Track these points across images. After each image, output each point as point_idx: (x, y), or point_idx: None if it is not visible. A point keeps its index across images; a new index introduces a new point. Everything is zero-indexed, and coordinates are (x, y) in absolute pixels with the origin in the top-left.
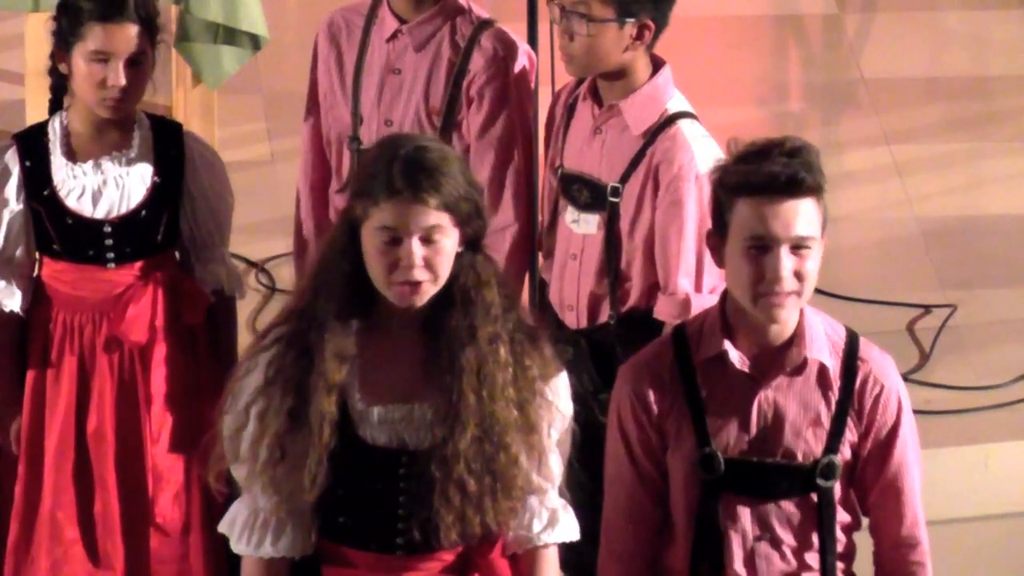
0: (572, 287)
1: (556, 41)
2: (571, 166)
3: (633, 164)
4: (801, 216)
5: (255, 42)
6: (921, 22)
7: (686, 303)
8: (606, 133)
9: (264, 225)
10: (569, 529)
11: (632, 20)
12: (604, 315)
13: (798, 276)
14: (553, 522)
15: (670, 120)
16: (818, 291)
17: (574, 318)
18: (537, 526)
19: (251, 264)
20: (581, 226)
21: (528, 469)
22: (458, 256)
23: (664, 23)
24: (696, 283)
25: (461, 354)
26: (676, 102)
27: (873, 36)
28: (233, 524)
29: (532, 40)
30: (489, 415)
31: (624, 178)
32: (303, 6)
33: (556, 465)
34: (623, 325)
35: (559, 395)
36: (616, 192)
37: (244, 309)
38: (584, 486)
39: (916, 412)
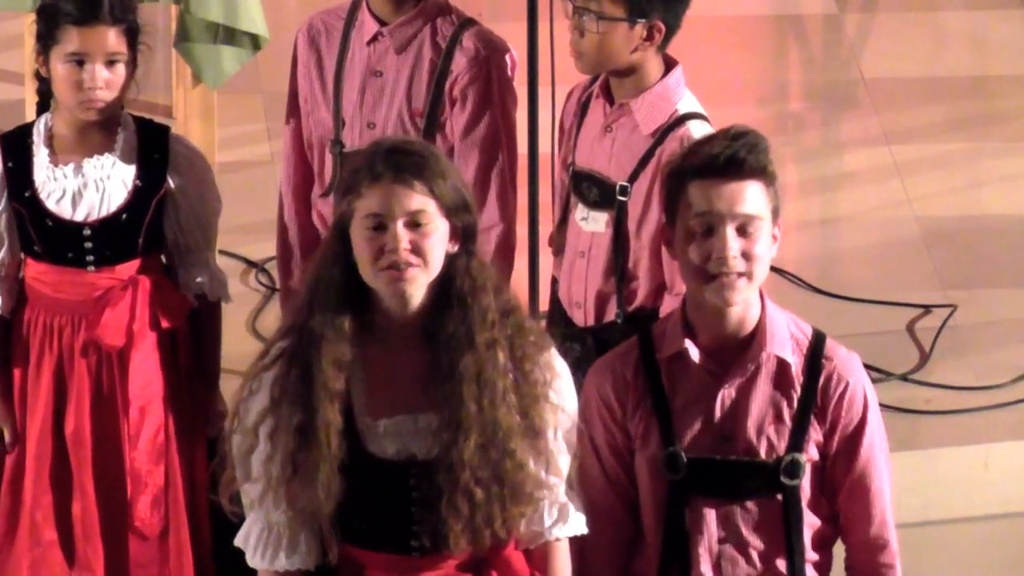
0: (580, 285)
1: (556, 41)
2: (582, 164)
3: (642, 163)
4: (746, 196)
5: (255, 42)
6: (921, 22)
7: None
8: (616, 132)
9: (264, 225)
10: (579, 523)
11: (643, 21)
12: (611, 313)
13: (746, 256)
14: (564, 517)
15: (680, 120)
16: (818, 291)
17: (582, 316)
18: (548, 521)
19: (251, 264)
20: (590, 224)
21: (536, 473)
22: (453, 259)
23: (676, 25)
24: None
25: (460, 361)
26: (687, 103)
27: (873, 36)
28: (247, 540)
29: (532, 40)
30: (491, 422)
31: (633, 177)
32: (303, 6)
33: (565, 462)
34: (630, 324)
35: (564, 397)
36: (624, 191)
37: (244, 309)
38: None
39: (916, 412)
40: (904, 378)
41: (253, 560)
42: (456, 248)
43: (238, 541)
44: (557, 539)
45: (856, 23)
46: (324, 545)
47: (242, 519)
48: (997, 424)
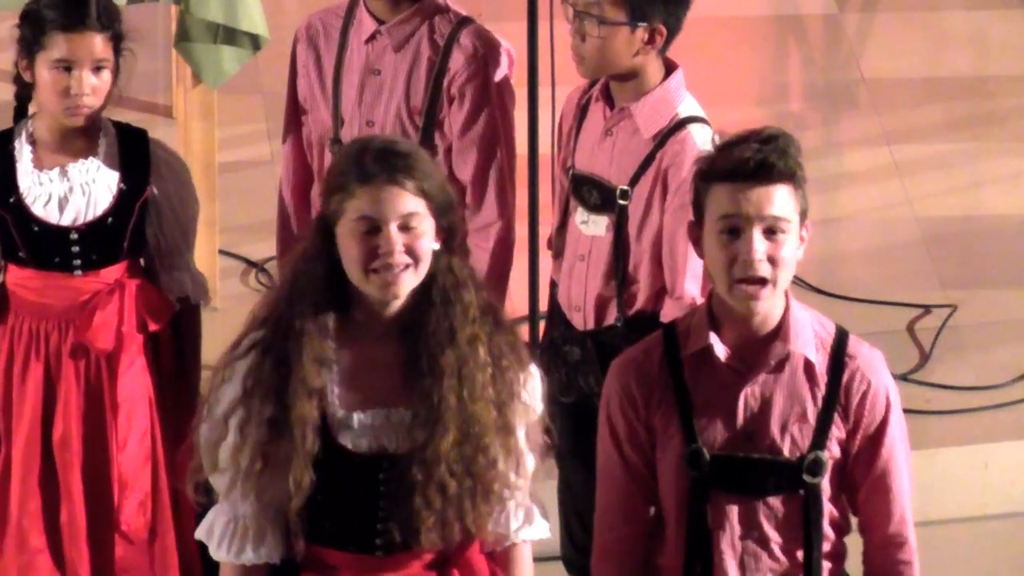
0: (580, 288)
1: (557, 41)
2: (582, 167)
3: (643, 167)
4: (774, 200)
5: (255, 42)
6: (921, 22)
7: (693, 307)
8: (617, 135)
9: (264, 225)
10: (542, 528)
11: (644, 24)
12: (611, 317)
13: (772, 261)
14: (529, 520)
15: (680, 124)
16: (818, 291)
17: (581, 319)
18: (514, 524)
19: (251, 264)
20: (590, 227)
21: (506, 472)
22: (435, 256)
23: (677, 28)
24: (703, 288)
25: (441, 356)
26: (687, 106)
27: (873, 36)
28: (211, 532)
29: (532, 40)
30: (470, 416)
31: (633, 181)
32: (303, 6)
33: (530, 464)
34: (630, 327)
35: (534, 396)
36: (625, 195)
37: (244, 309)
38: (591, 487)
39: (916, 412)
40: (904, 378)
41: (218, 553)
42: (439, 245)
43: (199, 534)
44: (522, 541)
45: (856, 23)
46: (289, 540)
47: (206, 509)
48: (997, 424)
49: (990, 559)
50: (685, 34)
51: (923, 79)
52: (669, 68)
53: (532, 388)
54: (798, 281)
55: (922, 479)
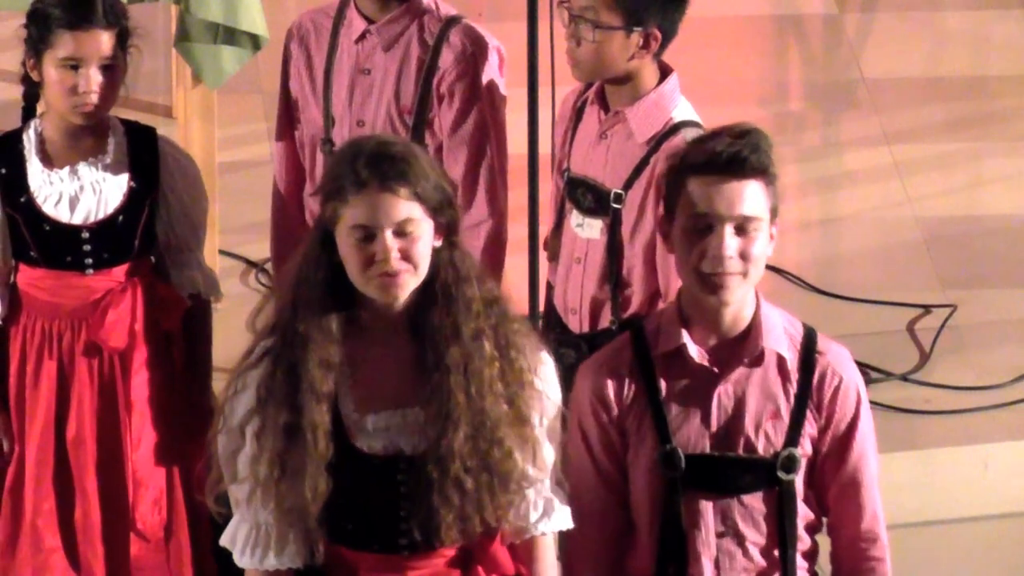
0: (575, 291)
1: (557, 43)
2: (577, 170)
3: (637, 171)
4: (745, 196)
5: (255, 42)
6: (921, 22)
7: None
8: (611, 139)
9: (264, 225)
10: (564, 518)
11: (639, 29)
12: (606, 320)
13: (743, 256)
14: (549, 511)
15: (675, 129)
16: (818, 291)
17: (577, 322)
18: (533, 516)
19: (251, 264)
20: (585, 230)
21: (523, 462)
22: (436, 252)
23: (672, 32)
24: None
25: (446, 353)
26: (682, 110)
27: (873, 36)
28: (234, 539)
29: (532, 40)
30: (479, 412)
31: (627, 185)
32: (303, 6)
33: (549, 454)
34: (624, 331)
35: (548, 383)
36: (619, 198)
37: (244, 309)
38: None
39: (916, 412)
40: (904, 378)
41: (241, 560)
42: (440, 242)
43: (224, 541)
44: (542, 534)
45: (856, 23)
46: (312, 544)
47: (228, 520)
48: (997, 424)
49: (990, 559)
50: (684, 34)
51: (923, 79)
52: (664, 72)
53: (545, 375)
54: (798, 281)
55: (922, 479)
